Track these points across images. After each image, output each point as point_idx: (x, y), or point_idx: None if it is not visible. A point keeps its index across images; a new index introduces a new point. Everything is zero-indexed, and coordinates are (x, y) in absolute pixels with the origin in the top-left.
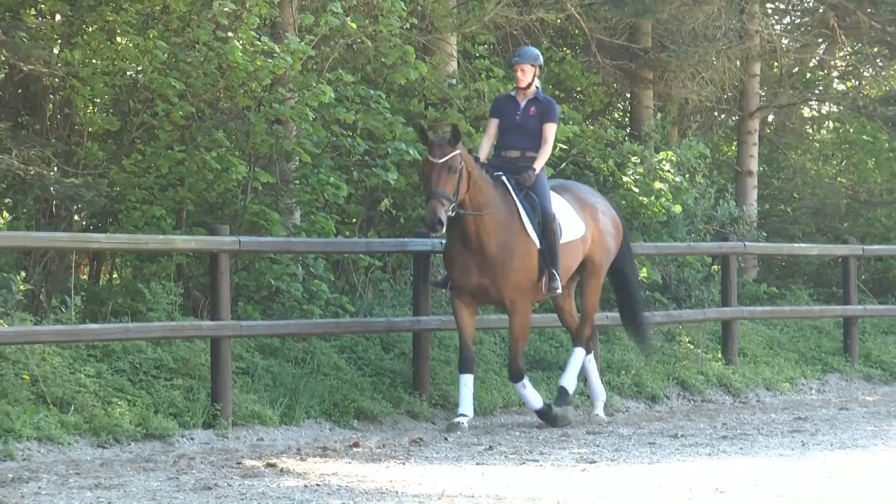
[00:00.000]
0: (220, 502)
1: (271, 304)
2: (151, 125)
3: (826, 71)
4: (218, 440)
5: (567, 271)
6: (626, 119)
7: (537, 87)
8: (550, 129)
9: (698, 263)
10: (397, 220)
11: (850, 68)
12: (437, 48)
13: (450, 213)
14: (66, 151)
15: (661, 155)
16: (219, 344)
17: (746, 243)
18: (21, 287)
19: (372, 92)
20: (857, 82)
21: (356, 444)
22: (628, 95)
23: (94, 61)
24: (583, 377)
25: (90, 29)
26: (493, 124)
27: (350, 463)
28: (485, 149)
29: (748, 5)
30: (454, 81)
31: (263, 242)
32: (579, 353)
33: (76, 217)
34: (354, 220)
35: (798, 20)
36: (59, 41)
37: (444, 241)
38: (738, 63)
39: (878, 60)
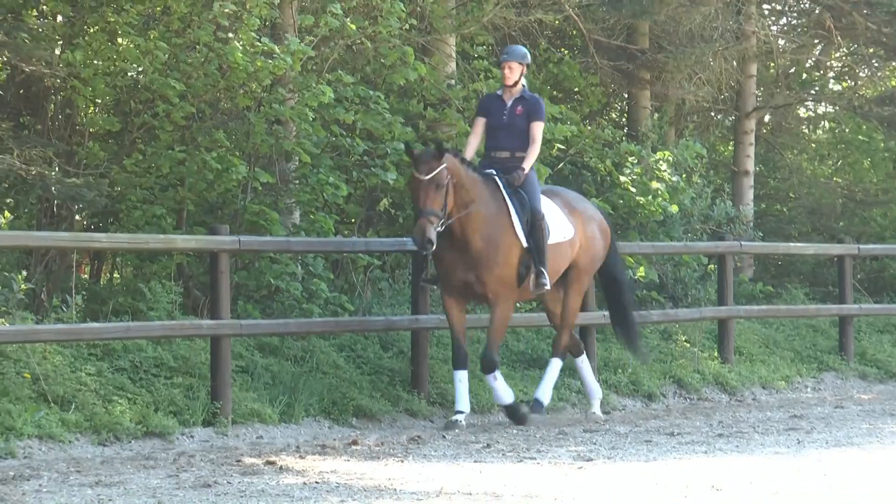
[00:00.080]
0: (220, 499)
1: (271, 303)
2: (152, 125)
3: (822, 71)
4: (218, 438)
5: (555, 273)
6: (624, 119)
7: (523, 86)
8: (538, 128)
9: (695, 263)
10: (396, 220)
11: (846, 69)
12: (435, 49)
13: (439, 228)
14: (67, 151)
15: (658, 155)
16: (219, 343)
17: (743, 243)
18: (22, 286)
19: (371, 92)
20: (852, 83)
21: (355, 442)
22: (626, 96)
23: (95, 62)
24: (574, 377)
25: (91, 30)
26: (480, 123)
27: (349, 461)
28: (471, 146)
29: (745, 6)
30: (453, 82)
31: (263, 242)
32: (556, 364)
33: (77, 217)
34: (353, 219)
35: (794, 21)
36: (61, 42)
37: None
38: (734, 64)
39: (873, 61)
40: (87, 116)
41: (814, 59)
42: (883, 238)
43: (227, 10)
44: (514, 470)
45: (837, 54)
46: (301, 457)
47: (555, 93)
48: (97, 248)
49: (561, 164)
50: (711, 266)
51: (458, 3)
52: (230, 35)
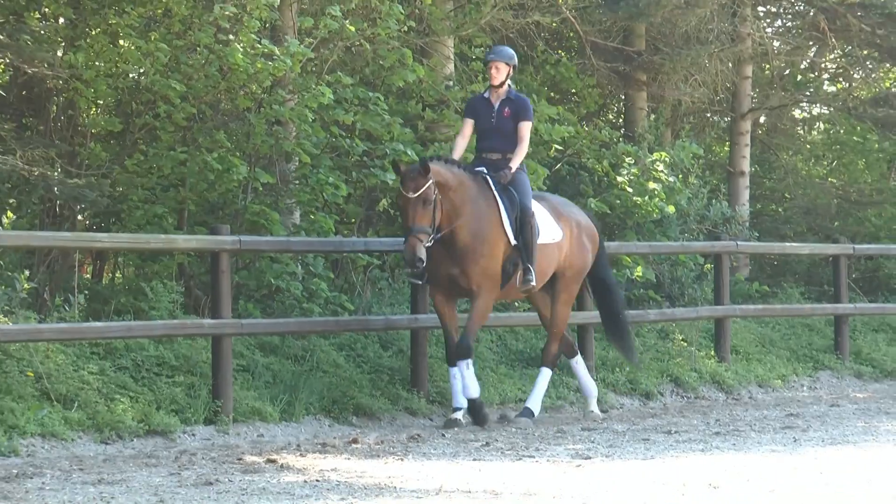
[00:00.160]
0: (221, 497)
1: (271, 302)
2: (153, 126)
3: (817, 73)
4: (219, 436)
5: (543, 274)
6: (621, 120)
7: (510, 86)
8: (525, 128)
9: (691, 262)
10: (395, 220)
11: (841, 70)
12: (434, 51)
13: (428, 244)
14: (69, 152)
15: (655, 156)
16: (220, 342)
17: (739, 242)
18: (25, 286)
19: (370, 94)
20: (847, 84)
21: (355, 441)
22: (622, 97)
23: (97, 63)
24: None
25: (93, 32)
26: (469, 124)
27: (349, 459)
28: (459, 148)
29: (740, 9)
30: (451, 83)
31: (263, 242)
32: (546, 373)
33: (79, 217)
34: (353, 219)
35: (789, 23)
36: (63, 44)
37: None
38: (730, 65)
39: (867, 63)
40: (88, 117)
41: (808, 60)
42: (877, 238)
43: (227, 13)
44: (513, 468)
45: (832, 56)
46: (302, 455)
47: (552, 94)
48: (99, 247)
49: (558, 165)
50: (708, 266)
51: (456, 5)
52: (231, 37)
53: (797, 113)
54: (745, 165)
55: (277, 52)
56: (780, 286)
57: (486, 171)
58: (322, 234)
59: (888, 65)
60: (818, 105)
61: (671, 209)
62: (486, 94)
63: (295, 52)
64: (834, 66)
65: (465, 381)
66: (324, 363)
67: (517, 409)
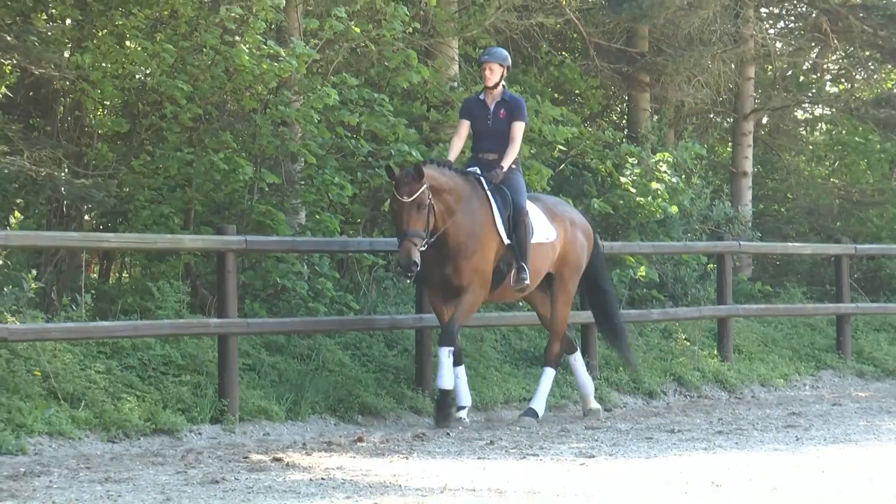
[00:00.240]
0: (228, 496)
1: (277, 301)
2: (160, 127)
3: (819, 74)
4: (225, 435)
5: (537, 273)
6: (624, 121)
7: (504, 87)
8: (519, 128)
9: (694, 262)
10: None
11: (843, 71)
12: (438, 52)
13: (422, 248)
14: (76, 153)
15: (658, 156)
16: (226, 341)
17: (741, 243)
18: (33, 285)
19: (375, 95)
20: (849, 85)
21: (360, 439)
22: (626, 98)
23: (103, 64)
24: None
25: (100, 33)
26: (465, 125)
27: (354, 457)
28: (455, 149)
29: (743, 10)
30: (456, 84)
31: (269, 242)
32: (549, 373)
33: (86, 217)
34: (359, 219)
35: (791, 25)
36: (70, 45)
37: None
38: (732, 66)
39: (869, 64)
40: (95, 118)
41: (811, 61)
42: (879, 238)
43: (233, 14)
44: (517, 466)
45: (834, 57)
46: (307, 453)
47: (556, 95)
48: (106, 247)
49: (562, 166)
50: (711, 265)
51: (461, 6)
52: (237, 38)
53: (799, 114)
54: (748, 166)
55: (283, 54)
56: (782, 286)
57: (478, 170)
58: (327, 234)
59: (890, 66)
60: (820, 106)
61: (674, 209)
62: (481, 96)
63: (300, 54)
64: (836, 68)
65: (443, 370)
66: (329, 362)
67: (520, 408)
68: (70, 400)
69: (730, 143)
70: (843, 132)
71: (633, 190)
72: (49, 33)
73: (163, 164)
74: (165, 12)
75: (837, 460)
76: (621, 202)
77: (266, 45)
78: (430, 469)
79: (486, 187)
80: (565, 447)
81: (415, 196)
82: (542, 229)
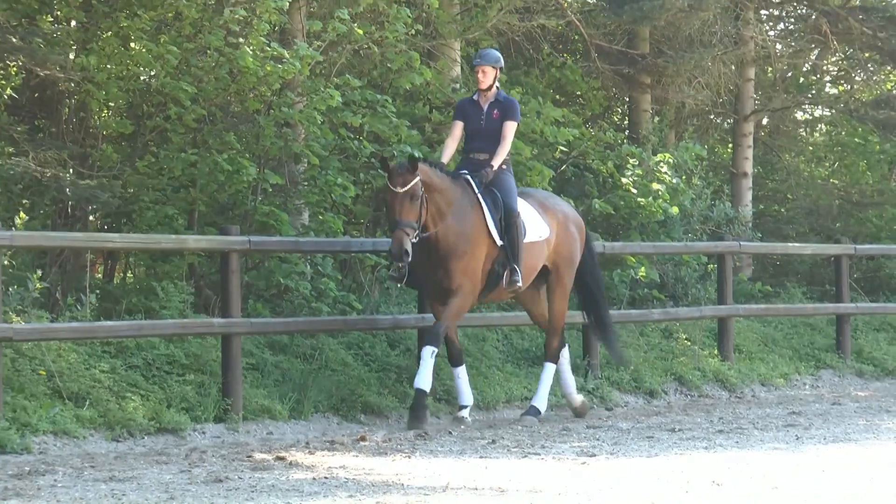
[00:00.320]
0: (231, 494)
1: (280, 301)
2: (164, 128)
3: (819, 75)
4: (229, 434)
5: (531, 271)
6: (625, 122)
7: (498, 88)
8: (510, 128)
9: (695, 262)
10: None
11: (842, 73)
12: (441, 53)
13: (414, 240)
14: (81, 154)
15: (659, 157)
16: (229, 340)
17: (742, 243)
18: (38, 285)
19: (378, 96)
20: (848, 86)
21: (363, 438)
22: (627, 99)
23: (108, 66)
24: (576, 374)
25: (105, 35)
26: (458, 126)
27: (357, 456)
28: (448, 150)
29: (743, 12)
30: (458, 86)
31: (273, 242)
32: (550, 368)
33: (91, 217)
34: (361, 220)
35: (791, 26)
36: (75, 46)
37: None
38: (733, 68)
39: (868, 65)
40: (100, 119)
41: (810, 63)
42: (878, 238)
43: (237, 16)
44: (519, 465)
45: (834, 59)
46: (310, 452)
47: (557, 96)
48: (111, 248)
49: (564, 167)
50: (711, 266)
51: (463, 8)
52: (240, 40)
53: (799, 115)
54: (748, 167)
55: (287, 55)
56: (782, 286)
57: (468, 172)
58: (331, 234)
59: (889, 67)
60: (820, 107)
61: (675, 210)
62: (475, 97)
63: (304, 55)
64: (835, 69)
65: (423, 370)
66: (332, 362)
67: (522, 407)
68: (75, 399)
69: (730, 144)
70: (843, 133)
71: (634, 191)
72: (54, 35)
73: (167, 164)
74: (170, 14)
75: (837, 459)
76: (622, 203)
77: (270, 46)
78: (433, 468)
79: (476, 190)
80: (567, 446)
81: (408, 187)
82: (535, 227)
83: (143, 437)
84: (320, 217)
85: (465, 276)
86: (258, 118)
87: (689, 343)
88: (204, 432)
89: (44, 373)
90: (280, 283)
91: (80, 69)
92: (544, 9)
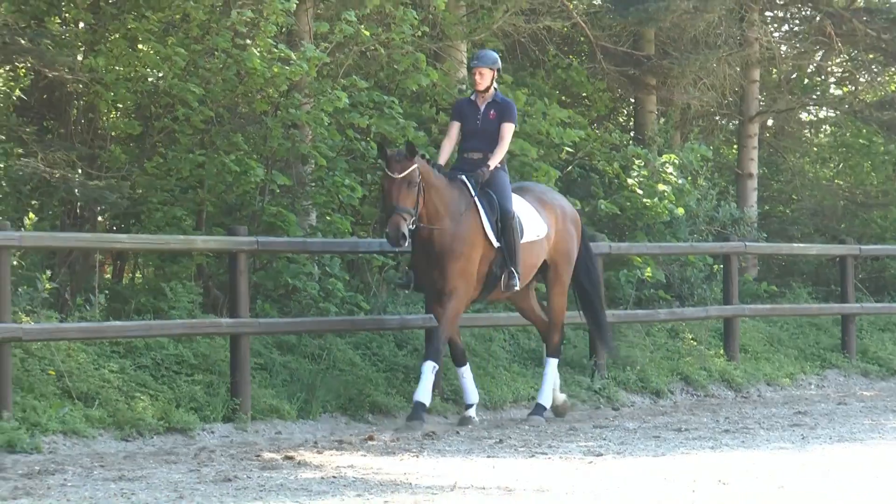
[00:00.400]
0: (240, 493)
1: (288, 302)
2: (172, 129)
3: (823, 77)
4: (237, 433)
5: (530, 269)
6: (631, 123)
7: (496, 90)
8: (507, 129)
9: (700, 263)
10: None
11: (847, 74)
12: (447, 55)
13: (411, 226)
14: (89, 155)
15: (664, 158)
16: (238, 340)
17: (747, 243)
18: (47, 286)
19: (385, 97)
20: (853, 88)
21: (371, 438)
22: (632, 100)
23: (116, 68)
24: (584, 374)
25: (113, 36)
26: (455, 127)
27: (365, 456)
28: (446, 150)
29: (748, 14)
30: (464, 87)
31: (280, 242)
32: (552, 363)
33: (100, 218)
34: (369, 221)
35: (796, 28)
36: (83, 48)
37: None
38: (738, 69)
39: (873, 67)
40: (108, 121)
41: (815, 64)
42: (883, 239)
43: (244, 18)
44: (527, 465)
45: (838, 60)
46: (319, 452)
47: (563, 98)
48: (119, 248)
49: (570, 167)
50: (717, 266)
51: (469, 10)
52: (248, 41)
53: (804, 116)
54: (753, 168)
55: (294, 57)
56: (787, 286)
57: (464, 174)
58: (338, 235)
59: (893, 69)
60: (825, 108)
61: (680, 211)
62: (472, 97)
63: (311, 57)
64: (840, 70)
65: (423, 384)
66: (340, 362)
67: (529, 407)
68: (84, 399)
69: (735, 145)
70: (847, 134)
71: (640, 191)
72: (62, 37)
73: (175, 165)
74: (177, 16)
75: (843, 459)
76: (628, 203)
77: (277, 48)
78: (440, 467)
79: (472, 193)
80: (574, 445)
81: (405, 173)
82: (533, 225)
83: (153, 437)
84: (328, 218)
85: (461, 278)
86: (266, 119)
87: (695, 343)
88: (213, 432)
89: (53, 373)
90: (288, 284)
91: (89, 70)
92: (550, 10)
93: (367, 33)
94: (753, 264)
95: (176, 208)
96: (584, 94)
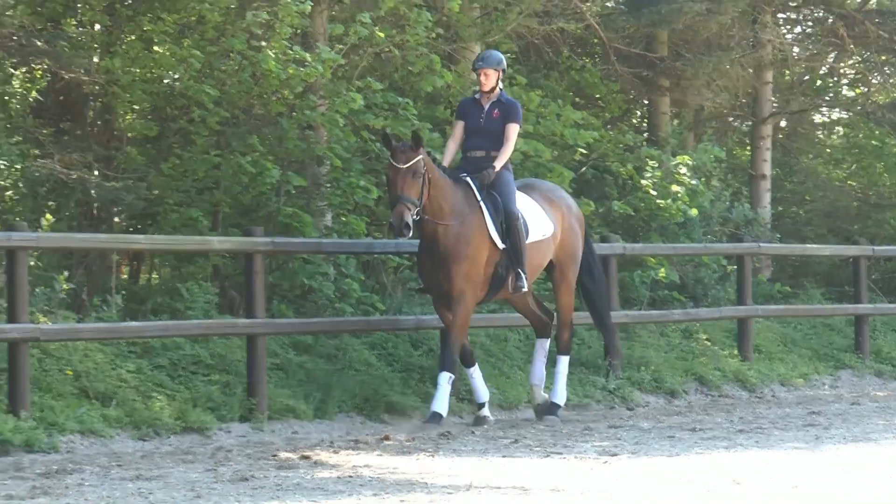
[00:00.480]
0: (257, 493)
1: (304, 302)
2: (188, 131)
3: (836, 78)
4: (254, 433)
5: (536, 269)
6: (644, 125)
7: (500, 90)
8: (512, 130)
9: (714, 264)
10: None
11: (859, 76)
12: (461, 57)
13: (415, 217)
14: (106, 156)
15: (678, 159)
16: (254, 341)
17: (761, 244)
18: (64, 286)
19: (399, 99)
20: (865, 89)
21: (387, 437)
22: (646, 102)
23: (132, 69)
24: (598, 374)
25: (128, 38)
26: (459, 126)
27: (381, 455)
28: (450, 150)
29: (760, 16)
30: (478, 88)
31: (296, 243)
32: (563, 361)
33: (116, 219)
34: (384, 222)
35: (809, 30)
36: (99, 50)
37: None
38: (750, 71)
39: (885, 68)
40: (125, 122)
41: (827, 66)
42: None
43: (259, 20)
44: (542, 464)
45: (850, 62)
46: (335, 451)
47: (577, 99)
48: (136, 249)
49: (584, 169)
50: (731, 267)
51: (483, 12)
52: (263, 43)
53: (817, 117)
54: (767, 169)
55: (309, 59)
56: (801, 287)
57: (468, 176)
58: (353, 235)
59: None
60: (837, 109)
61: (694, 212)
62: (477, 96)
63: (326, 59)
64: (852, 72)
65: (440, 395)
66: (356, 362)
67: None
68: (101, 399)
69: (748, 147)
70: (860, 136)
71: (654, 192)
72: (79, 38)
73: (191, 167)
74: (193, 18)
75: (857, 459)
76: (642, 204)
77: (292, 50)
78: (456, 467)
79: (477, 195)
80: (588, 445)
81: (410, 163)
82: (539, 225)
83: (170, 437)
84: (343, 219)
85: (468, 281)
86: (281, 121)
87: (709, 343)
88: (229, 431)
89: (70, 373)
90: (304, 284)
91: (105, 72)
92: (563, 12)
93: (382, 35)
94: (767, 265)
95: (192, 209)
96: (597, 96)
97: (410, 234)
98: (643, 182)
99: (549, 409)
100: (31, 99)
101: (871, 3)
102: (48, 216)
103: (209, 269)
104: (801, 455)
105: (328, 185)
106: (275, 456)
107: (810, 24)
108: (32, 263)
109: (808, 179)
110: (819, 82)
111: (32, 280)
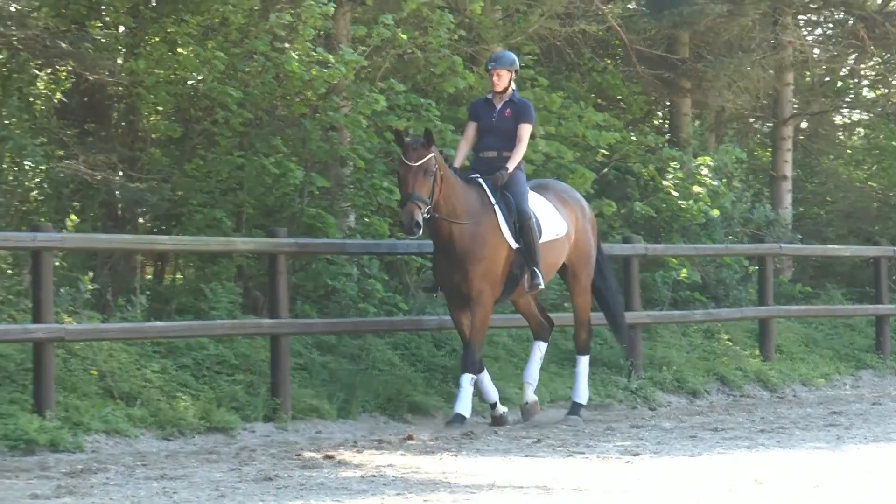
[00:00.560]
0: (281, 492)
1: (328, 302)
2: (212, 132)
3: (856, 80)
4: (278, 433)
5: (551, 268)
6: (666, 126)
7: (513, 90)
8: (525, 130)
9: (736, 264)
10: None
11: (880, 77)
12: (483, 58)
13: (426, 215)
14: (130, 157)
15: (700, 160)
16: (278, 341)
17: (782, 245)
18: (89, 287)
19: (422, 100)
20: (885, 90)
21: (410, 437)
22: (667, 103)
23: (156, 71)
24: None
25: (152, 40)
26: (471, 127)
27: (404, 455)
28: (462, 151)
29: (781, 18)
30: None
31: (319, 244)
32: (584, 361)
33: (140, 220)
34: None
35: (829, 31)
36: (123, 52)
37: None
38: (771, 72)
39: None
40: (149, 123)
41: (848, 67)
42: None
43: (283, 21)
44: (564, 464)
45: (871, 63)
46: (358, 451)
47: (599, 101)
48: (160, 249)
49: (605, 170)
50: (752, 267)
51: (505, 14)
52: (286, 45)
53: (837, 119)
54: (788, 170)
55: (332, 60)
56: (822, 287)
57: (480, 177)
58: (377, 236)
59: None
60: (858, 111)
61: (715, 212)
62: (489, 97)
63: (349, 60)
64: (873, 73)
65: (462, 396)
66: (379, 362)
67: (566, 406)
68: (126, 399)
69: (769, 148)
70: (881, 137)
71: (676, 193)
72: (103, 40)
73: (215, 168)
74: (216, 20)
75: (878, 458)
76: (664, 205)
77: (315, 51)
78: (479, 467)
79: (490, 196)
80: (611, 445)
81: (422, 161)
82: (553, 224)
83: (194, 436)
84: (366, 219)
85: (485, 281)
86: (304, 122)
87: (730, 344)
88: (253, 431)
89: (95, 372)
90: (327, 285)
91: (129, 74)
92: (585, 14)
93: (405, 37)
94: (788, 266)
95: (216, 210)
96: (619, 98)
97: (420, 232)
98: (665, 183)
99: (571, 409)
100: (55, 100)
101: (891, 4)
102: (73, 217)
103: (233, 270)
104: (823, 455)
105: (351, 186)
106: (299, 455)
107: (831, 25)
108: (57, 264)
109: (828, 180)
110: (840, 84)
111: (57, 280)
